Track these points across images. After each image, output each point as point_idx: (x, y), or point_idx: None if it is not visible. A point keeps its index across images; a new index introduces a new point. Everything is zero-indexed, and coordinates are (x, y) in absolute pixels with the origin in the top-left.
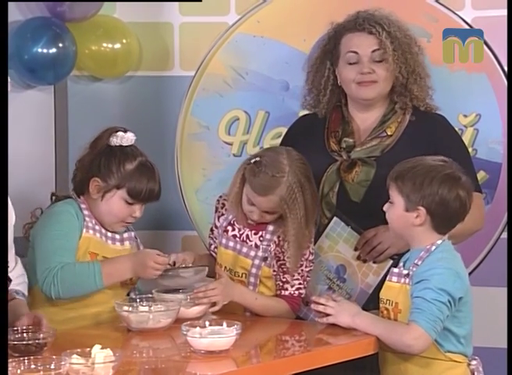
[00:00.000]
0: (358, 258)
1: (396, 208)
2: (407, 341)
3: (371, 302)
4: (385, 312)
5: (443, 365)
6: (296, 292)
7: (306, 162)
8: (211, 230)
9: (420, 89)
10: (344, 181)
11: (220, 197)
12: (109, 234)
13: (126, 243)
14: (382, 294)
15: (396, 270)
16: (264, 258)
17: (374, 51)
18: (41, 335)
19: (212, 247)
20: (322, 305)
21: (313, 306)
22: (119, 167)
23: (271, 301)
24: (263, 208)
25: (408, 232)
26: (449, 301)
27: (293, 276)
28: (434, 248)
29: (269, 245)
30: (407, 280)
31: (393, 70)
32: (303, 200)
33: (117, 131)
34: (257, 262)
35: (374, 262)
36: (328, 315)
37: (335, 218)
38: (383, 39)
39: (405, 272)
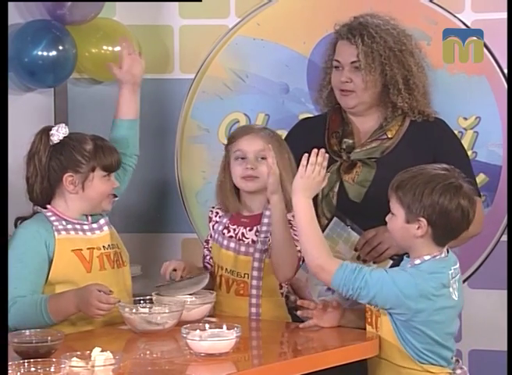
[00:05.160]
0: (358, 258)
1: (397, 219)
2: (315, 266)
3: None
4: (368, 312)
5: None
6: (298, 254)
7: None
8: (207, 241)
9: (407, 100)
10: (344, 181)
11: (213, 207)
12: (86, 227)
13: (105, 228)
14: None
15: None
16: (265, 250)
17: (352, 62)
18: (49, 338)
19: (208, 258)
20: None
21: (299, 313)
22: (81, 153)
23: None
24: (252, 150)
25: (408, 243)
26: (369, 293)
27: None
28: (418, 262)
29: (267, 237)
30: None
31: (370, 81)
32: (279, 155)
33: (48, 130)
34: (257, 255)
35: (374, 263)
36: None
37: (335, 218)
38: (360, 51)
39: None
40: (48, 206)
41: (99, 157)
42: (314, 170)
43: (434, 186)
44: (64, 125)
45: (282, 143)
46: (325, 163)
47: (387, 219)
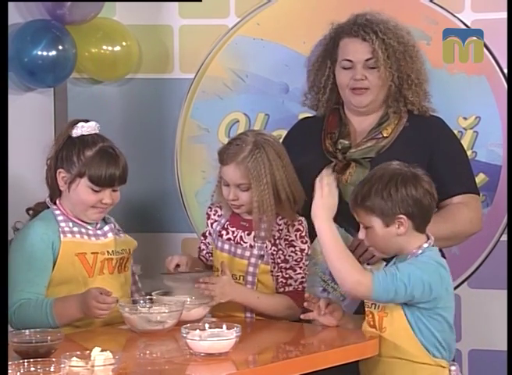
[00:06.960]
0: None
1: (374, 230)
2: (351, 282)
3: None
4: (370, 315)
5: (429, 369)
6: (300, 286)
7: (278, 141)
8: (204, 235)
9: (416, 94)
10: (338, 182)
11: (212, 204)
12: (90, 232)
13: (109, 235)
14: None
15: None
16: (261, 256)
17: (367, 60)
18: (49, 337)
19: (204, 252)
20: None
21: (306, 305)
22: (79, 156)
23: (274, 298)
24: (232, 181)
25: (395, 246)
26: (406, 289)
27: (296, 270)
28: (420, 251)
29: (264, 243)
30: None
31: (386, 78)
32: (271, 171)
33: (78, 122)
34: (253, 260)
35: (368, 264)
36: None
37: None
38: (376, 48)
39: None
40: (57, 202)
41: (89, 167)
42: (330, 190)
43: (395, 182)
44: (95, 124)
45: (269, 160)
46: (335, 183)
47: (361, 236)
